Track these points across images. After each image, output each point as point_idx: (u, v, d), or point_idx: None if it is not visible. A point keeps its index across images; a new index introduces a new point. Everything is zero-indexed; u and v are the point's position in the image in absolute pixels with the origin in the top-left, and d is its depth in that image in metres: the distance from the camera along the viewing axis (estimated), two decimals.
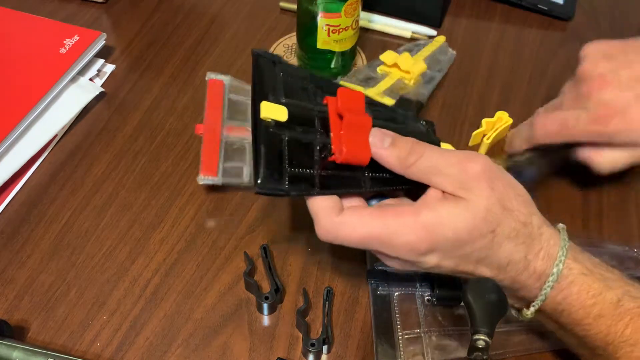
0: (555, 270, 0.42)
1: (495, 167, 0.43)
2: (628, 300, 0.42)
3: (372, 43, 0.73)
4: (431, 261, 0.43)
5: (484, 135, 0.62)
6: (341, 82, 0.62)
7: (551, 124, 0.54)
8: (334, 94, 0.46)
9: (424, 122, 0.54)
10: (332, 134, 0.45)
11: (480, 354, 0.38)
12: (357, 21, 0.64)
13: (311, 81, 0.47)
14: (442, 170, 0.43)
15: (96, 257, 0.54)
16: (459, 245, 0.42)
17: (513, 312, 0.47)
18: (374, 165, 0.44)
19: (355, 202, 0.45)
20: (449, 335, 0.49)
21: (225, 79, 0.59)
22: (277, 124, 0.43)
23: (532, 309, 0.44)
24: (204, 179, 0.55)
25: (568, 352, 0.48)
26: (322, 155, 0.44)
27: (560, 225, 0.45)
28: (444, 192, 0.43)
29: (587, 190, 0.61)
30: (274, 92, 0.44)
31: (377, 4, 0.75)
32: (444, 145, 0.52)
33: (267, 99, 0.43)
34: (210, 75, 0.59)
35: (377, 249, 0.43)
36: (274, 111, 0.43)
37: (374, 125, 0.45)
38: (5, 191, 0.58)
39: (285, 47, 0.72)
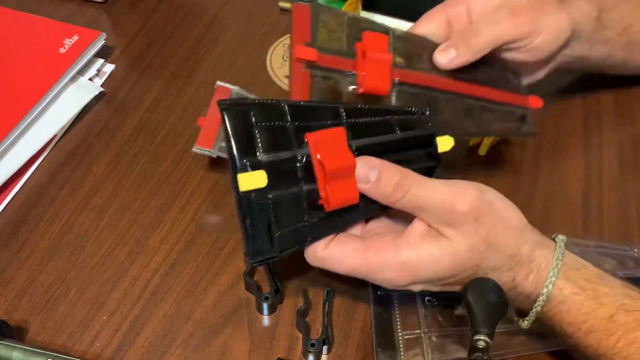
0: (544, 291, 0.43)
1: (485, 202, 0.42)
2: (622, 314, 0.41)
3: None
4: (416, 288, 0.44)
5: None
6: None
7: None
8: (316, 121, 0.44)
9: (416, 111, 0.50)
10: (317, 179, 0.43)
11: (480, 354, 0.38)
12: None
13: (290, 116, 0.44)
14: (428, 209, 0.42)
15: (96, 257, 0.54)
16: (441, 279, 0.43)
17: (515, 318, 0.47)
18: None
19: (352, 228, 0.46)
20: (449, 335, 0.49)
21: (234, 88, 0.59)
22: (259, 190, 0.42)
23: (526, 322, 0.45)
24: (199, 149, 0.55)
25: (567, 353, 0.48)
26: (311, 199, 0.43)
27: (560, 237, 0.45)
28: (429, 224, 0.43)
29: (587, 190, 0.61)
30: (251, 149, 0.42)
31: (377, 4, 0.75)
32: (440, 140, 0.49)
33: (243, 166, 0.42)
34: (220, 83, 0.60)
35: (362, 278, 0.45)
36: (252, 181, 0.42)
37: (363, 147, 0.44)
38: (5, 191, 0.58)
39: (285, 47, 0.72)
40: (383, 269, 0.43)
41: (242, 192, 0.42)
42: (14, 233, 0.55)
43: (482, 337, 0.39)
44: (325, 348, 0.48)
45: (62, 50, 0.66)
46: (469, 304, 0.41)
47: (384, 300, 0.51)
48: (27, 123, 0.61)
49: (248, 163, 0.42)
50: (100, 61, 0.69)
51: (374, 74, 0.50)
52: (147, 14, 0.76)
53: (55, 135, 0.62)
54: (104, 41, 0.69)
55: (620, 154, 0.64)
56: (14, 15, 0.70)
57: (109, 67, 0.69)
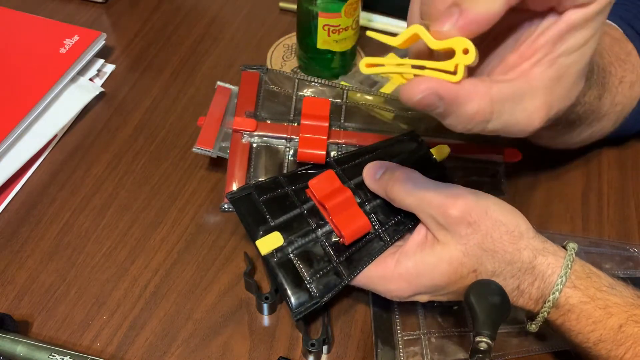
0: (550, 298, 0.42)
1: (479, 207, 0.43)
2: (631, 325, 0.41)
3: (372, 43, 0.73)
4: (421, 299, 0.46)
5: None
6: (342, 82, 0.61)
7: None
8: (309, 180, 0.49)
9: (406, 138, 0.55)
10: (327, 220, 0.48)
11: (482, 356, 0.38)
12: (357, 21, 0.64)
13: (286, 183, 0.51)
14: (425, 209, 0.44)
15: (96, 257, 0.54)
16: (441, 288, 0.44)
17: (526, 321, 0.47)
18: (381, 217, 0.48)
19: None
20: (448, 337, 0.49)
21: (234, 88, 0.60)
22: (279, 249, 0.47)
23: (533, 326, 0.45)
24: (199, 149, 0.56)
25: (567, 354, 0.48)
26: (332, 242, 0.47)
27: (571, 245, 0.44)
28: (427, 231, 0.45)
29: (587, 190, 0.61)
30: (263, 221, 0.48)
31: (377, 4, 0.75)
32: (434, 150, 0.53)
33: (259, 235, 0.47)
34: (220, 83, 0.60)
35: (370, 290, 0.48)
36: (270, 243, 0.47)
37: (361, 183, 0.49)
38: (5, 191, 0.58)
39: (285, 47, 0.72)
40: (384, 281, 0.45)
41: (265, 255, 0.47)
42: (15, 233, 0.56)
43: (484, 339, 0.39)
44: (325, 348, 0.48)
45: (62, 51, 0.66)
46: (472, 305, 0.41)
47: (383, 300, 0.51)
48: (27, 123, 0.61)
49: (262, 231, 0.48)
50: (101, 61, 0.69)
51: (308, 143, 0.53)
52: (147, 14, 0.76)
53: (55, 135, 0.63)
54: (104, 41, 0.69)
55: (620, 154, 0.64)
56: (14, 15, 0.71)
57: (109, 67, 0.69)
